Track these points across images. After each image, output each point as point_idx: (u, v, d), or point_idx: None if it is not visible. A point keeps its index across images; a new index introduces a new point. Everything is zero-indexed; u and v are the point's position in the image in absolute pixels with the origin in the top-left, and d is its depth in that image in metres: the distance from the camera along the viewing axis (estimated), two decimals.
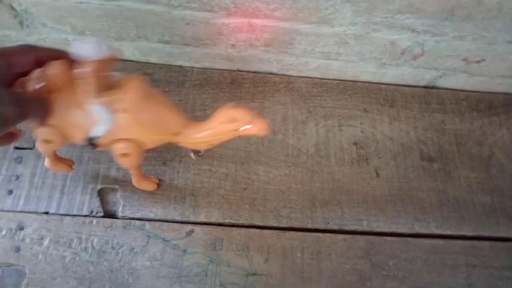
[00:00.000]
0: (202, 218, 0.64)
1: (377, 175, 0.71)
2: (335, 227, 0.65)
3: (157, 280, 0.58)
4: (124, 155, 0.52)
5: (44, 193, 0.63)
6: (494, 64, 0.73)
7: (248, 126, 0.49)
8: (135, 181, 0.62)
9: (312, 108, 0.76)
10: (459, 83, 0.80)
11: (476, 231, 0.68)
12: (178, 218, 0.63)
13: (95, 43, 0.43)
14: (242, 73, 0.77)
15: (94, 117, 0.47)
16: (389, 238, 0.65)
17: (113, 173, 0.65)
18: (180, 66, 0.77)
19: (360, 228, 0.66)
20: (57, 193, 0.63)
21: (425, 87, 0.81)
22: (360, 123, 0.75)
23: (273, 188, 0.67)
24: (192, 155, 0.68)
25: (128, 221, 0.62)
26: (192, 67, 0.77)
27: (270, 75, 0.78)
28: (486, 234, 0.68)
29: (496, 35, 0.65)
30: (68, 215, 0.61)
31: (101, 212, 0.62)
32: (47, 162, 0.60)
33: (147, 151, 0.54)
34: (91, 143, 0.49)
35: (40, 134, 0.50)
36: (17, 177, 0.63)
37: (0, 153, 0.65)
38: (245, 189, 0.67)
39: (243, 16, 0.62)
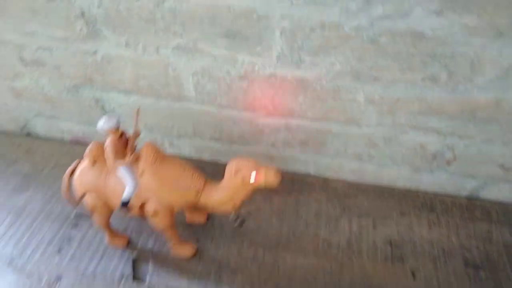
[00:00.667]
0: None
1: (414, 276, 0.66)
2: None
3: None
4: (154, 214, 0.59)
5: (88, 254, 0.69)
6: None
7: (254, 176, 0.54)
8: (172, 246, 0.67)
9: (346, 207, 0.78)
10: (504, 195, 0.78)
11: None
12: None
13: (107, 117, 0.55)
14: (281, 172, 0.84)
15: (123, 182, 0.57)
16: None
17: (150, 244, 0.70)
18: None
19: None
20: (98, 256, 0.69)
21: (467, 198, 0.79)
22: (396, 224, 0.74)
23: (299, 276, 0.66)
24: (233, 223, 0.71)
25: (152, 285, 0.64)
26: None
27: (308, 176, 0.84)
28: None
29: None
30: (102, 274, 0.66)
31: (131, 277, 0.66)
32: (106, 238, 0.69)
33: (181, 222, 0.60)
34: (125, 205, 0.58)
35: (88, 201, 0.61)
36: (69, 239, 0.71)
37: (63, 217, 0.75)
38: (270, 272, 0.67)
39: (281, 116, 0.73)
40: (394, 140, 0.72)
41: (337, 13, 0.56)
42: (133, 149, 0.57)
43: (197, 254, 0.69)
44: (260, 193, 0.77)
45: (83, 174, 0.59)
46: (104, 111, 0.82)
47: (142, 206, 0.60)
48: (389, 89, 0.64)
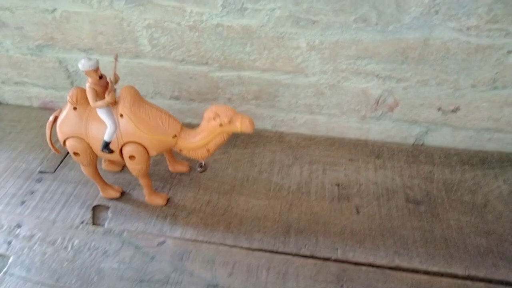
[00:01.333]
0: (177, 234, 0.67)
1: (358, 211, 0.70)
2: (307, 253, 0.64)
3: (119, 282, 0.60)
4: (132, 157, 0.62)
5: (49, 205, 0.72)
6: (471, 114, 0.77)
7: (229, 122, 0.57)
8: (146, 196, 0.70)
9: (299, 156, 0.82)
10: (447, 140, 0.83)
11: (468, 271, 0.61)
12: (155, 232, 0.67)
13: (86, 58, 0.56)
14: None
15: (103, 124, 0.59)
16: (364, 268, 0.61)
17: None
18: (189, 123, 0.90)
19: (333, 256, 0.63)
20: (59, 206, 0.72)
21: (413, 145, 0.84)
22: (345, 169, 0.79)
23: (250, 215, 0.70)
24: (198, 169, 0.75)
25: (109, 228, 0.67)
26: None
27: (265, 131, 0.88)
28: (481, 275, 0.60)
29: (456, 78, 0.71)
30: (62, 221, 0.69)
31: (90, 223, 0.69)
32: (100, 190, 0.71)
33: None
34: (107, 148, 0.61)
35: (69, 147, 0.63)
36: (32, 193, 0.74)
37: (27, 173, 0.78)
38: (223, 214, 0.70)
39: (232, 68, 0.77)
40: (339, 87, 0.77)
41: None
42: (113, 91, 0.58)
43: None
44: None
45: (65, 119, 0.61)
46: (68, 72, 0.86)
47: (121, 150, 0.62)
48: (326, 32, 0.68)
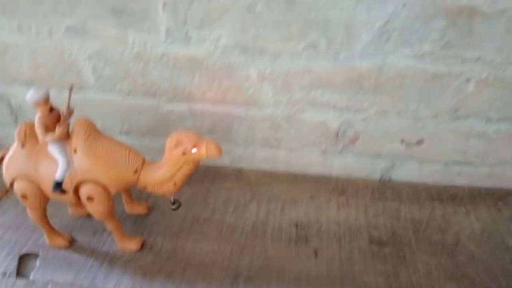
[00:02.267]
0: (109, 285, 0.59)
1: (316, 255, 0.63)
2: None
3: None
4: (90, 199, 0.54)
5: None
6: (437, 146, 0.72)
7: (195, 149, 0.51)
8: (117, 242, 0.62)
9: (257, 193, 0.75)
10: (415, 175, 0.78)
11: None
12: (86, 283, 0.59)
13: (35, 88, 0.51)
14: None
15: (55, 163, 0.53)
16: None
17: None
18: None
19: None
20: None
21: (379, 180, 0.79)
22: (305, 207, 0.72)
23: (196, 262, 0.62)
24: (171, 207, 0.65)
25: (32, 280, 0.59)
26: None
27: (223, 167, 0.82)
28: None
29: (416, 108, 0.67)
30: None
31: (13, 275, 0.60)
32: (45, 237, 0.63)
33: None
34: (58, 188, 0.53)
35: (17, 189, 0.55)
36: None
37: None
38: (166, 261, 0.63)
39: (182, 100, 0.73)
40: (295, 119, 0.72)
41: None
42: (66, 125, 0.53)
43: (91, 248, 0.64)
44: None
45: (12, 158, 0.54)
46: (11, 107, 0.80)
47: (76, 190, 0.55)
48: (276, 61, 0.65)
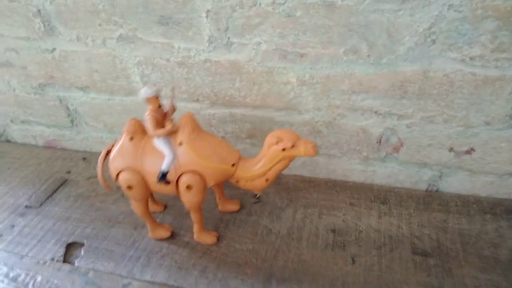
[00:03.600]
0: (146, 277, 0.61)
1: (353, 261, 0.61)
2: None
3: None
4: (189, 188, 0.57)
5: (25, 240, 0.69)
6: (489, 156, 0.68)
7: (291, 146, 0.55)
8: (196, 233, 0.65)
9: (294, 198, 0.75)
10: (465, 186, 0.73)
11: None
12: (124, 273, 0.62)
13: (148, 85, 0.56)
14: None
15: (160, 155, 0.56)
16: None
17: (88, 230, 0.70)
18: None
19: None
20: (34, 241, 0.69)
21: (426, 190, 0.75)
22: (344, 214, 0.71)
23: (230, 260, 0.63)
24: (254, 200, 0.70)
25: (77, 267, 0.63)
26: None
27: None
28: None
29: (466, 114, 0.64)
30: (32, 256, 0.65)
31: (60, 260, 0.65)
32: (149, 230, 0.67)
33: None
34: (164, 179, 0.57)
35: (123, 181, 0.59)
36: (13, 226, 0.72)
37: (12, 208, 0.77)
38: (200, 257, 0.64)
39: (223, 105, 0.75)
40: (335, 125, 0.71)
41: None
42: (171, 120, 0.57)
43: (132, 241, 0.68)
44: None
45: (120, 151, 0.58)
46: (68, 110, 0.87)
47: (177, 181, 0.58)
48: (316, 66, 0.64)
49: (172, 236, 0.67)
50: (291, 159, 0.57)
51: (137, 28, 0.69)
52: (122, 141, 0.58)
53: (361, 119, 0.69)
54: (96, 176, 0.83)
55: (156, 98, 0.55)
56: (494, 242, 0.63)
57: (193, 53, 0.69)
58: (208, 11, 0.63)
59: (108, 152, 0.60)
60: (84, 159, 0.91)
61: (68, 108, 0.87)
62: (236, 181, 0.60)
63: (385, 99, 0.65)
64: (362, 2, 0.57)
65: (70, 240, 0.68)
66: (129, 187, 0.58)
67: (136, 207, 0.62)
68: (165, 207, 0.74)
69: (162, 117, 0.57)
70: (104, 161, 0.60)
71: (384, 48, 0.60)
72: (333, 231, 0.67)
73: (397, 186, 0.76)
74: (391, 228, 0.67)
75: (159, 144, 0.57)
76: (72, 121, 0.89)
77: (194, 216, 0.63)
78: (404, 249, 0.63)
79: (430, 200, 0.73)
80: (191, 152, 0.56)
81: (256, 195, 0.66)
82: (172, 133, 0.57)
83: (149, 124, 0.55)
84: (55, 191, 0.80)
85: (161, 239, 0.67)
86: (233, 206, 0.72)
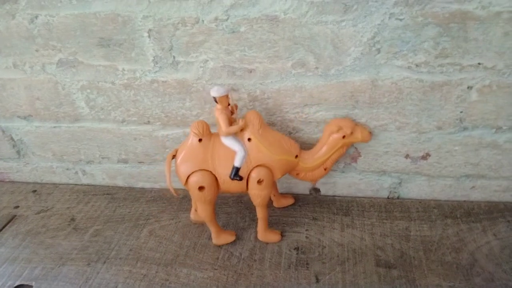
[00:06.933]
0: None
1: (317, 280, 0.59)
2: None
3: None
4: (260, 182, 0.59)
5: None
6: (445, 160, 0.68)
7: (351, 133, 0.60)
8: (260, 232, 0.66)
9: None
10: (425, 191, 0.73)
11: None
12: None
13: (217, 85, 0.61)
14: None
15: (230, 152, 0.58)
16: None
17: (37, 271, 0.65)
18: (142, 188, 0.84)
19: None
20: None
21: (388, 198, 0.75)
22: (306, 230, 0.69)
23: None
24: (312, 192, 0.74)
25: None
26: (152, 188, 0.83)
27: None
28: None
29: (417, 120, 0.64)
30: None
31: None
32: (213, 238, 0.66)
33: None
34: (237, 175, 0.58)
35: (193, 183, 0.58)
36: None
37: None
38: None
39: (176, 125, 0.72)
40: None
41: (192, 6, 0.57)
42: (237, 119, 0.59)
43: (85, 279, 0.63)
44: (168, 211, 0.74)
45: (189, 153, 0.58)
46: (13, 141, 0.82)
47: (248, 177, 0.60)
48: (266, 81, 0.63)
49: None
50: (348, 146, 0.63)
51: (77, 52, 0.65)
52: (190, 143, 0.58)
53: (316, 132, 0.68)
54: (47, 210, 0.79)
55: (226, 96, 0.57)
56: (455, 247, 0.63)
57: (138, 74, 0.66)
58: (150, 30, 0.61)
59: (173, 156, 0.60)
60: (34, 191, 0.85)
61: (12, 139, 0.81)
62: (297, 174, 0.64)
63: (337, 110, 0.65)
64: (305, 15, 0.56)
65: (17, 283, 0.63)
66: (201, 188, 0.58)
67: (203, 211, 0.61)
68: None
69: (229, 115, 0.58)
70: (170, 164, 0.59)
71: (331, 60, 0.59)
72: (296, 248, 0.65)
73: (359, 196, 0.76)
74: (354, 240, 0.66)
75: (229, 142, 0.58)
76: (18, 152, 0.84)
77: (260, 212, 0.63)
78: (368, 261, 0.62)
79: (392, 207, 0.72)
80: (261, 146, 0.58)
81: (315, 187, 0.71)
82: (243, 130, 0.58)
83: (221, 122, 0.56)
84: (1, 229, 0.74)
85: (227, 243, 0.66)
86: (288, 201, 0.73)
